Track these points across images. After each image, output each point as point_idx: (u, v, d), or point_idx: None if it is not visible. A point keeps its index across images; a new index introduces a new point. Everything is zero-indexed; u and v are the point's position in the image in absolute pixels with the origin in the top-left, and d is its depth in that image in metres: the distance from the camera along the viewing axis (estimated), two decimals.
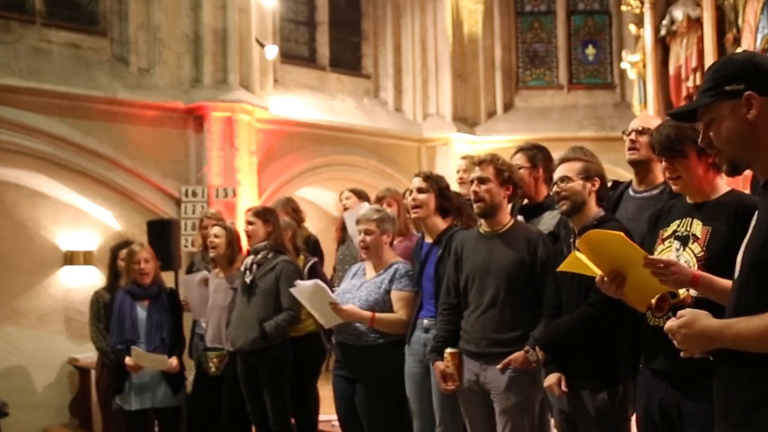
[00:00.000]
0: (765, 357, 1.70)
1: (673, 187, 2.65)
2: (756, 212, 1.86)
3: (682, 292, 2.40)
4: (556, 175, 3.12)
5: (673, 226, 2.52)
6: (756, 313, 1.70)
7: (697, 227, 2.44)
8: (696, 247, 2.41)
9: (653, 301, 2.44)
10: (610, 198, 3.43)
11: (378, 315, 3.87)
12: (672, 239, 2.49)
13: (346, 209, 5.36)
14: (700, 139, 1.95)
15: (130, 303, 4.94)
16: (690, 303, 2.34)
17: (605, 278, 2.38)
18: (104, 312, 5.26)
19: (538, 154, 3.90)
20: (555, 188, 3.10)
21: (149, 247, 5.18)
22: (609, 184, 3.48)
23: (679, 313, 1.88)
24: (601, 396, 2.98)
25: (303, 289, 4.14)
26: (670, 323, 1.88)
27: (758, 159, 1.82)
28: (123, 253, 5.28)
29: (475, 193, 3.45)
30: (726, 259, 2.13)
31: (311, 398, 5.21)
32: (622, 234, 2.31)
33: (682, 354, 1.92)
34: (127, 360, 4.78)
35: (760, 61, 1.86)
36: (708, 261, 2.33)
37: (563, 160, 3.16)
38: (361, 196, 5.32)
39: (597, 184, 3.08)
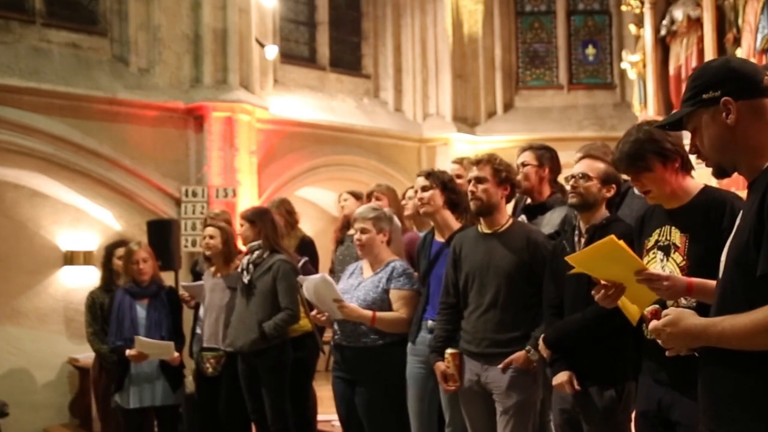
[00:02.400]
0: (749, 356, 1.71)
1: (648, 200, 2.65)
2: (741, 211, 1.87)
3: (671, 302, 2.40)
4: (577, 169, 3.10)
5: (655, 236, 2.52)
6: (741, 311, 1.71)
7: (676, 235, 2.45)
8: (677, 257, 2.41)
9: (646, 313, 2.45)
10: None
11: (379, 314, 3.87)
12: (655, 250, 2.49)
13: (343, 210, 5.37)
14: (688, 148, 1.99)
15: (130, 302, 4.95)
16: None
17: (602, 289, 2.37)
18: (100, 313, 5.26)
19: (545, 154, 3.91)
20: (571, 181, 3.08)
21: (147, 246, 5.17)
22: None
23: (664, 312, 1.90)
24: (608, 393, 2.98)
25: (310, 281, 4.15)
26: (655, 323, 1.90)
27: (741, 162, 1.85)
28: (120, 251, 5.28)
29: (472, 192, 3.45)
30: (707, 263, 2.15)
31: (308, 397, 5.22)
32: (613, 237, 2.28)
33: (667, 353, 1.94)
34: (129, 351, 4.78)
35: (735, 66, 1.88)
36: (690, 269, 2.33)
37: (589, 156, 3.15)
38: (359, 197, 5.32)
39: (612, 192, 3.08)
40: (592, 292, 2.43)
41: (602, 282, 2.39)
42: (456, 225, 3.84)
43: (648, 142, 2.51)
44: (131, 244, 5.12)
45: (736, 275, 1.78)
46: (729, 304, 1.77)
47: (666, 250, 2.45)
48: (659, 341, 1.91)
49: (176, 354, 4.91)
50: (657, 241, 2.50)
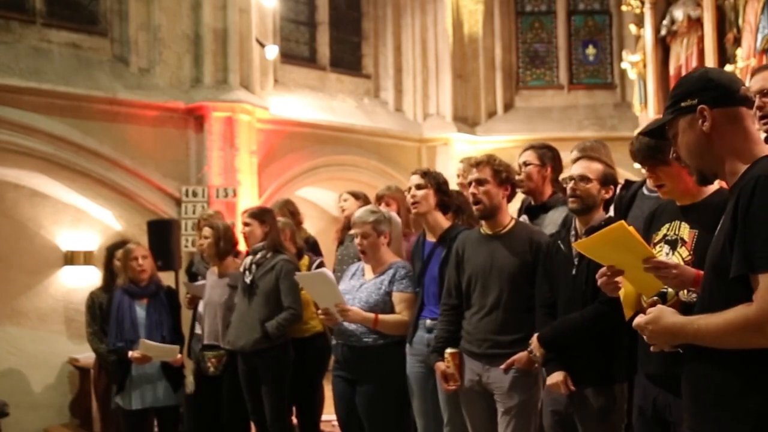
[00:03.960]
0: (730, 354, 1.76)
1: (660, 195, 2.66)
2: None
3: (671, 294, 2.42)
4: (576, 171, 3.10)
5: (663, 230, 2.54)
6: (717, 311, 1.77)
7: (685, 230, 2.46)
8: (684, 251, 2.42)
9: (645, 305, 2.46)
10: (623, 197, 3.43)
11: (381, 316, 3.87)
12: (662, 243, 2.51)
13: (344, 211, 5.35)
14: (671, 153, 2.05)
15: (129, 302, 4.94)
16: (678, 308, 2.36)
17: (606, 275, 2.39)
18: (99, 313, 5.26)
19: (547, 153, 3.90)
20: (571, 184, 3.08)
21: (144, 246, 5.19)
22: (620, 184, 3.48)
23: (648, 310, 1.97)
24: (604, 395, 2.99)
25: (307, 277, 4.14)
26: (638, 319, 1.98)
27: (720, 168, 1.93)
28: (119, 253, 5.29)
29: (474, 195, 3.45)
30: None
31: (317, 397, 5.21)
32: (623, 223, 2.27)
33: (651, 348, 2.02)
34: (132, 353, 4.77)
35: (713, 75, 1.97)
36: (695, 264, 2.33)
37: (586, 158, 3.15)
38: (359, 197, 5.31)
39: (610, 193, 3.10)
40: (597, 275, 2.43)
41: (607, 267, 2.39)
42: (446, 224, 3.84)
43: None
44: (129, 244, 5.13)
45: (714, 278, 1.84)
46: (708, 305, 1.84)
47: (673, 244, 2.47)
48: (644, 337, 1.98)
49: (179, 355, 4.92)
50: (665, 236, 2.52)
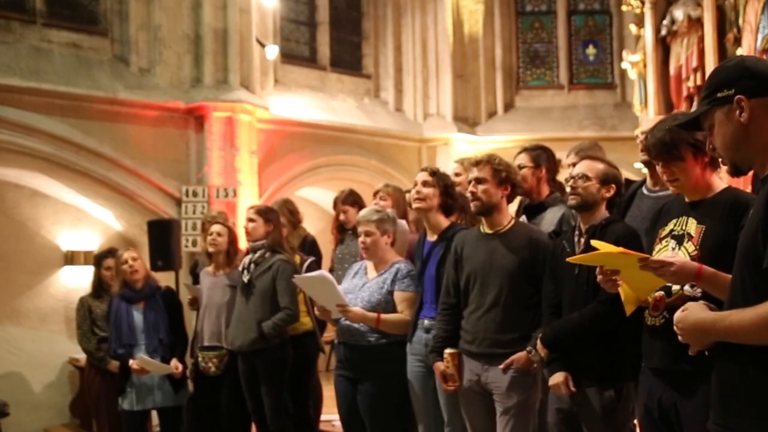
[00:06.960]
0: (759, 351, 1.70)
1: (671, 189, 2.67)
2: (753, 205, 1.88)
3: (676, 290, 2.42)
4: (576, 170, 3.14)
5: (671, 225, 2.55)
6: (750, 304, 1.70)
7: (692, 226, 2.47)
8: (690, 246, 2.43)
9: (650, 299, 2.48)
10: (622, 196, 3.45)
11: (383, 316, 3.87)
12: (669, 238, 2.52)
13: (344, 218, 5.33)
14: (707, 145, 2.01)
15: (126, 308, 4.95)
16: (682, 302, 2.37)
17: (604, 273, 2.42)
18: (89, 315, 5.31)
19: (542, 155, 3.92)
20: (570, 182, 3.12)
21: (135, 249, 5.22)
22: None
23: (682, 308, 1.89)
24: (608, 394, 2.99)
25: (307, 280, 4.14)
26: (675, 315, 1.90)
27: (755, 159, 1.86)
28: (108, 262, 5.33)
29: (472, 193, 3.47)
30: (719, 256, 2.16)
31: (310, 396, 5.21)
32: (598, 243, 2.31)
33: (690, 352, 1.92)
34: (132, 363, 4.80)
35: (750, 64, 1.90)
36: (701, 259, 2.34)
37: (589, 158, 3.19)
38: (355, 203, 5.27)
39: (612, 192, 3.11)
40: (596, 272, 2.45)
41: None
42: (446, 223, 3.85)
43: (683, 132, 2.52)
44: (119, 252, 5.18)
45: (746, 269, 1.77)
46: (740, 299, 1.77)
47: (679, 239, 2.48)
48: (680, 337, 1.91)
49: (178, 369, 4.93)
50: (672, 231, 2.52)
